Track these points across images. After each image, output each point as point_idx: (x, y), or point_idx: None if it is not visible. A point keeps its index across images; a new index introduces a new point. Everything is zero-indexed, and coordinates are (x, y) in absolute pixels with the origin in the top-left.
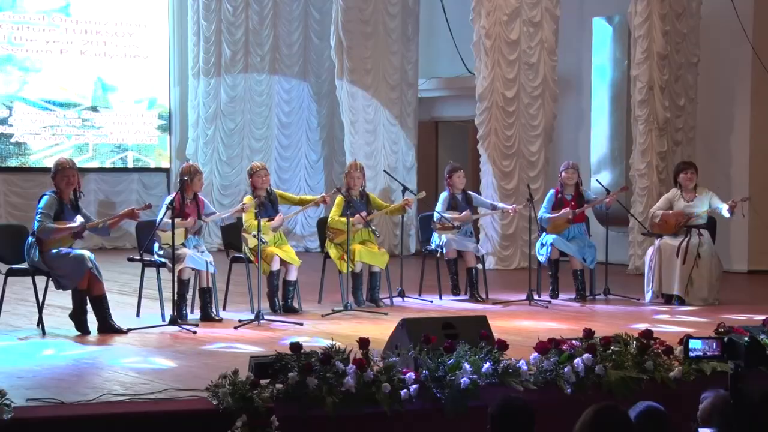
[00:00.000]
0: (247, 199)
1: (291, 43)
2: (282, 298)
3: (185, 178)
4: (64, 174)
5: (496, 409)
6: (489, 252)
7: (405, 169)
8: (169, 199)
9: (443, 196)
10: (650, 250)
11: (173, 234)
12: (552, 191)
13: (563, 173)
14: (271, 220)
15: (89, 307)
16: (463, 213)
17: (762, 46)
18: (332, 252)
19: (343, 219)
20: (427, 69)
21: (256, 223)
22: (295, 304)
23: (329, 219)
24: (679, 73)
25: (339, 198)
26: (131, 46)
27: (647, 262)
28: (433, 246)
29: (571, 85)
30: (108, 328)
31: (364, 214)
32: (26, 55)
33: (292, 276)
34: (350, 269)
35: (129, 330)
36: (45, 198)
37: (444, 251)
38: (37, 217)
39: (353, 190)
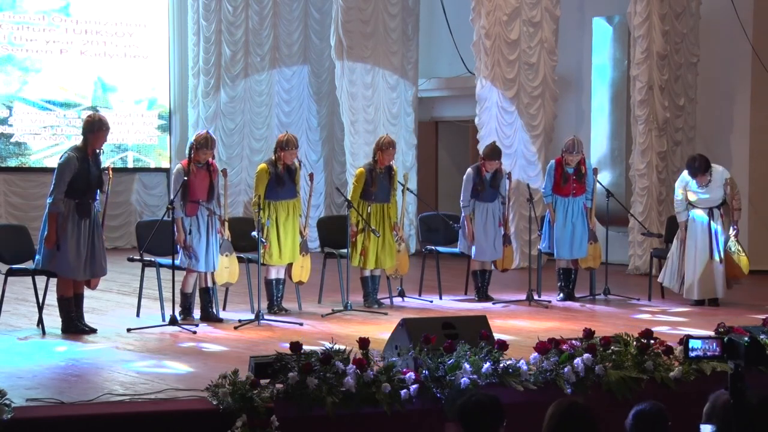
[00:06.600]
0: (261, 166)
1: (291, 44)
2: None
3: (191, 145)
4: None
5: (459, 406)
6: None
7: (405, 169)
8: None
9: (469, 173)
10: (675, 246)
11: (173, 226)
12: (552, 164)
13: (567, 156)
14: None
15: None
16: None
17: (762, 46)
18: (357, 241)
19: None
20: (427, 69)
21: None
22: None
23: (351, 194)
24: (679, 73)
25: (360, 171)
26: (131, 46)
27: (675, 257)
28: (458, 250)
29: (571, 85)
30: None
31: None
32: (26, 55)
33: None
34: (362, 268)
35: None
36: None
37: (471, 258)
38: None
39: (382, 164)
